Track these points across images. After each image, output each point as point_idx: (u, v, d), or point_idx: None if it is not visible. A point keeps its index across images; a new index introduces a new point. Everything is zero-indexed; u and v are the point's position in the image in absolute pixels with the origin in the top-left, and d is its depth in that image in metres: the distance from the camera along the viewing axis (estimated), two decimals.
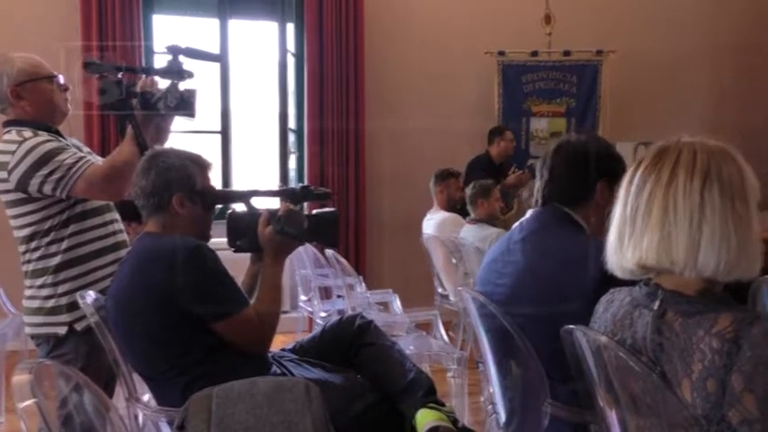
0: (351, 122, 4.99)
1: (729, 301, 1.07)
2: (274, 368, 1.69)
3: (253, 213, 1.81)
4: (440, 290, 3.85)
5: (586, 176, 1.58)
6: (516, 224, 1.73)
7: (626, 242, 1.11)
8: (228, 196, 2.02)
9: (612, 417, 1.19)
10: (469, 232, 3.54)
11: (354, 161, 5.02)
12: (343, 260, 3.16)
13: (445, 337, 2.89)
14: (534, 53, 5.28)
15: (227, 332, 1.61)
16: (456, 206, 4.02)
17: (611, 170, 1.58)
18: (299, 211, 1.81)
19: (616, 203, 1.15)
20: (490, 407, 1.79)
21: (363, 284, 3.51)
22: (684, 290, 1.08)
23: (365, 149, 5.06)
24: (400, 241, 4.76)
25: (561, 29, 5.21)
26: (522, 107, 5.33)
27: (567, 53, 5.29)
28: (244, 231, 1.81)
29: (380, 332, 1.88)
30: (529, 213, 1.70)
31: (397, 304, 3.17)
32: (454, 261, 3.65)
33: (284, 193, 1.89)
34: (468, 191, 3.79)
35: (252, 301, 1.71)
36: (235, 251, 1.84)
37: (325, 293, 3.59)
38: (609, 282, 1.23)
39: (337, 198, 4.86)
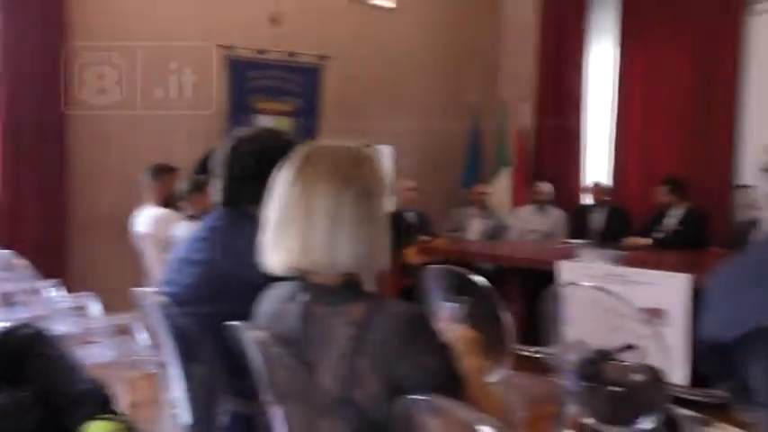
0: (53, 110, 4.42)
1: (366, 291, 1.18)
2: None
3: None
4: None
5: (265, 174, 1.61)
6: (201, 222, 1.71)
7: (276, 244, 1.15)
8: None
9: (273, 407, 1.24)
10: (183, 229, 3.40)
11: (57, 154, 4.47)
12: (25, 261, 2.78)
13: (149, 340, 2.74)
14: (261, 51, 5.32)
15: None
16: (167, 203, 3.83)
17: None
18: None
19: (268, 205, 1.19)
20: (174, 410, 1.74)
21: (61, 288, 3.14)
22: (328, 282, 1.16)
23: (69, 141, 4.53)
24: (110, 239, 4.38)
25: (289, 31, 5.34)
26: (248, 104, 5.33)
27: (292, 54, 5.44)
28: None
29: (50, 342, 1.69)
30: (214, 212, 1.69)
31: (96, 308, 2.90)
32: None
33: None
34: (183, 186, 3.65)
35: None
36: None
37: (8, 301, 3.12)
38: (275, 278, 1.28)
39: (34, 193, 4.28)
